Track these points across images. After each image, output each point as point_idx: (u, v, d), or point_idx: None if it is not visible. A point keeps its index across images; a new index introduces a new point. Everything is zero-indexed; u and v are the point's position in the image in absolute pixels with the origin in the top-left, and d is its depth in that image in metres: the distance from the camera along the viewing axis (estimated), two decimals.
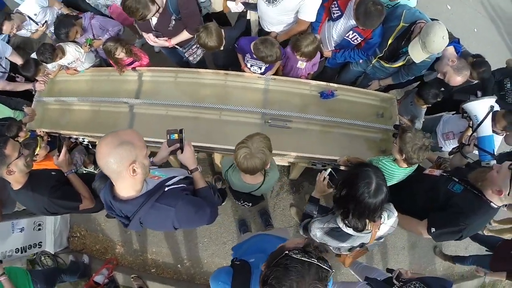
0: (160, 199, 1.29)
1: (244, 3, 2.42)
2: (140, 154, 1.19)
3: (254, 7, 2.39)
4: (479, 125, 1.97)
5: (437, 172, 1.98)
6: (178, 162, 1.59)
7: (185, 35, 2.32)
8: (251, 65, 2.41)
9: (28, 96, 2.66)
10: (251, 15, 2.58)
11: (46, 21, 2.63)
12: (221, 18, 2.77)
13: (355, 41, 2.26)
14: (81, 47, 2.54)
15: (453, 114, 2.63)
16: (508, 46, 4.51)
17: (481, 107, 1.96)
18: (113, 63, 2.49)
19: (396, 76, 2.49)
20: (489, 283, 3.23)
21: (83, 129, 2.48)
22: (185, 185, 1.47)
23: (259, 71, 2.44)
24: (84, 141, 2.60)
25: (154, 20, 2.18)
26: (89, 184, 1.96)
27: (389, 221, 1.42)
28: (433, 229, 1.74)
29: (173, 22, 2.18)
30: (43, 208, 1.87)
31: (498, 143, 2.19)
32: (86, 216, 3.06)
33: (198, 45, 2.36)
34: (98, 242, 3.05)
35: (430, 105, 2.56)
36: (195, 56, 2.52)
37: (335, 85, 2.49)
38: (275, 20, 2.35)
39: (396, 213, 1.46)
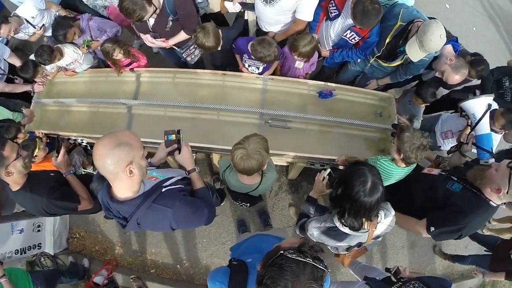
0: (157, 200, 1.29)
1: (241, 3, 2.42)
2: (137, 155, 1.19)
3: (251, 7, 2.39)
4: (477, 123, 1.97)
5: (435, 171, 1.98)
6: (177, 162, 1.59)
7: (182, 35, 2.32)
8: (249, 65, 2.41)
9: (26, 97, 2.67)
10: (248, 15, 2.58)
11: (43, 24, 2.64)
12: (219, 18, 2.77)
13: (353, 40, 2.25)
14: (79, 49, 2.54)
15: (451, 113, 2.63)
16: (507, 44, 4.51)
17: (478, 105, 1.96)
18: (111, 64, 2.49)
19: (394, 75, 2.48)
20: (489, 281, 3.23)
21: (82, 130, 2.48)
22: (182, 186, 1.47)
23: (257, 71, 2.44)
24: (82, 142, 2.60)
25: (151, 21, 2.18)
26: (87, 185, 1.95)
27: (386, 220, 1.42)
28: (432, 228, 1.74)
29: (170, 23, 2.19)
30: (42, 209, 1.88)
31: (496, 141, 2.18)
32: (85, 217, 3.06)
33: (195, 46, 2.36)
34: (97, 243, 3.05)
35: (428, 104, 2.56)
36: (193, 56, 2.52)
37: (333, 84, 2.49)
38: (272, 20, 2.35)
39: (393, 212, 1.45)
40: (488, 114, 1.96)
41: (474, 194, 1.70)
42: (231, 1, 2.43)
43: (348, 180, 1.29)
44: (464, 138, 2.09)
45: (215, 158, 2.67)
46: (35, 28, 2.61)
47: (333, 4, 2.18)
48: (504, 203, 1.76)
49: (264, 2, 2.19)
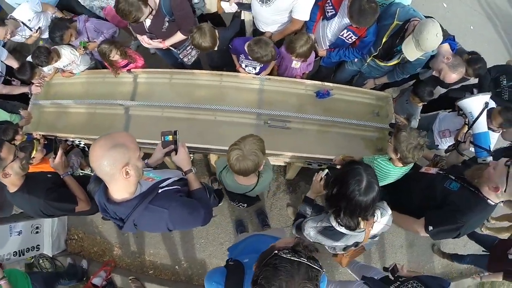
0: (154, 201, 1.29)
1: (238, 4, 2.43)
2: (133, 156, 1.19)
3: (248, 7, 2.39)
4: (474, 121, 1.97)
5: (433, 170, 1.98)
6: (174, 163, 1.59)
7: (179, 36, 2.32)
8: (246, 66, 2.41)
9: (24, 99, 2.67)
10: (245, 16, 2.58)
11: (40, 27, 2.64)
12: (216, 18, 2.77)
13: (350, 39, 2.26)
14: (76, 50, 2.54)
15: (449, 112, 2.63)
16: (504, 43, 4.50)
17: (476, 103, 1.96)
18: (108, 65, 2.49)
19: (391, 75, 2.48)
20: (487, 281, 3.23)
21: (79, 132, 2.48)
22: (179, 187, 1.47)
23: (254, 72, 2.44)
24: (80, 143, 2.60)
25: (147, 22, 2.18)
26: (85, 186, 1.95)
27: (382, 219, 1.41)
28: (430, 227, 1.73)
29: (167, 24, 2.18)
30: (39, 211, 1.88)
31: (494, 140, 2.19)
32: (83, 219, 3.06)
33: (192, 46, 2.36)
34: (95, 244, 3.05)
35: (426, 103, 2.56)
36: (189, 57, 2.52)
37: (331, 84, 2.49)
38: (269, 20, 2.35)
39: (389, 211, 1.45)
40: (485, 112, 1.96)
41: (472, 192, 1.69)
42: (228, 1, 2.43)
43: (343, 180, 1.29)
44: (461, 137, 2.09)
45: (213, 158, 2.67)
46: (31, 30, 2.61)
47: (330, 4, 2.18)
48: (502, 202, 1.75)
49: (261, 2, 2.19)
